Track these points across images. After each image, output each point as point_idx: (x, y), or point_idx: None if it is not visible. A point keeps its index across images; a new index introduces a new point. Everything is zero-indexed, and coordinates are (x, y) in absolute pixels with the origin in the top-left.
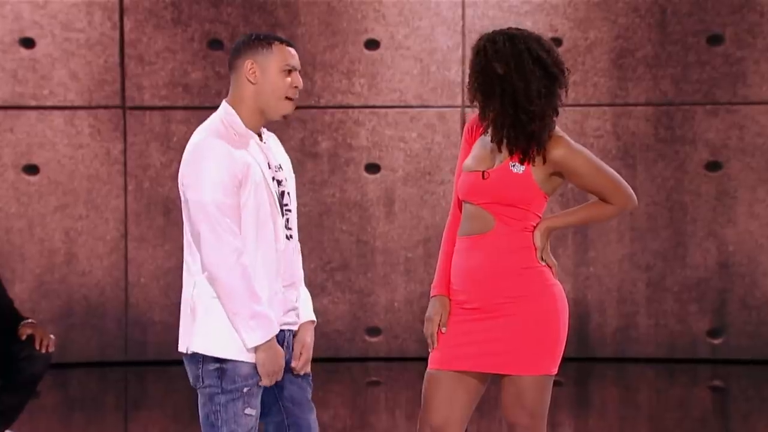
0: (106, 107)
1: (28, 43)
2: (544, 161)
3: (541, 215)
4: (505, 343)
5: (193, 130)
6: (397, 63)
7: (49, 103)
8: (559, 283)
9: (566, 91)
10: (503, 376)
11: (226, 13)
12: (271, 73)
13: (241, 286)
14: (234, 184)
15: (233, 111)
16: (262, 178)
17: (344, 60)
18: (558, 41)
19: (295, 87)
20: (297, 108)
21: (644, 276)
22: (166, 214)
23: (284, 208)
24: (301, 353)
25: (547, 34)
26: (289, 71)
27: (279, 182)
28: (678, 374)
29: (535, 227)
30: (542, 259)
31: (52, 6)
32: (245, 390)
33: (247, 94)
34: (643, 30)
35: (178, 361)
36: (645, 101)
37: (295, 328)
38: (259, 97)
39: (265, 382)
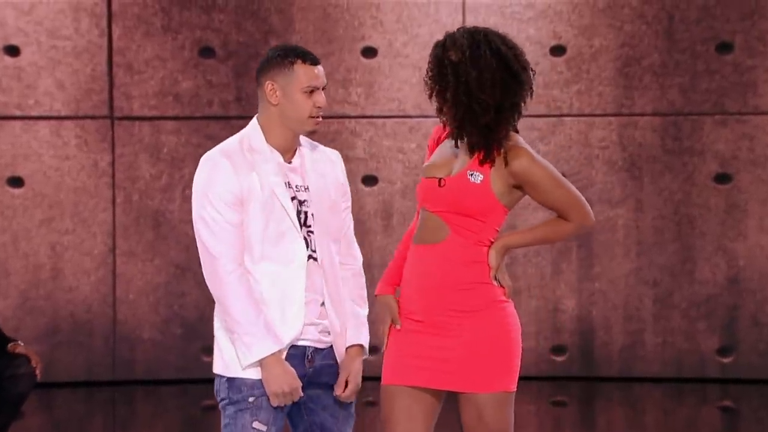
0: (93, 117)
1: (12, 50)
2: (506, 167)
3: (499, 229)
4: (459, 361)
5: (184, 141)
6: (396, 71)
7: (34, 113)
8: (511, 302)
9: (531, 93)
10: (460, 394)
11: (218, 20)
12: (292, 94)
13: (232, 302)
14: (232, 201)
15: (258, 127)
16: (271, 197)
17: (340, 68)
18: (562, 49)
19: (318, 107)
20: None
21: (651, 292)
22: (156, 228)
23: (306, 230)
24: (347, 381)
25: (551, 42)
26: (311, 91)
27: (301, 202)
28: (686, 394)
29: (491, 242)
30: (496, 278)
31: (37, 12)
32: (251, 400)
33: (271, 113)
34: (650, 37)
35: (167, 380)
36: (652, 111)
37: (321, 345)
38: (282, 117)
39: (273, 401)
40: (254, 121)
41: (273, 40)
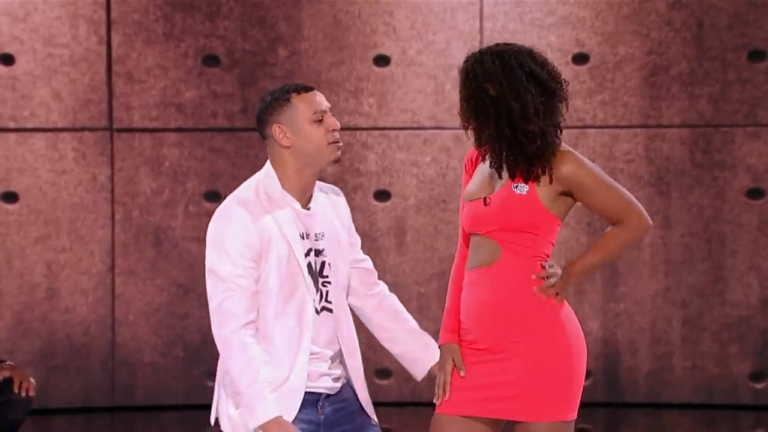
0: (91, 129)
1: (7, 59)
2: (551, 180)
3: (554, 242)
4: (517, 387)
5: (187, 154)
6: (409, 81)
7: (29, 125)
8: (574, 316)
9: (567, 105)
10: (516, 423)
11: (223, 27)
12: (302, 128)
13: (236, 361)
14: (250, 255)
15: (274, 174)
16: (288, 251)
17: (351, 77)
18: (585, 57)
19: (333, 130)
20: None
21: (680, 313)
22: (157, 246)
23: (322, 280)
24: None
25: (573, 50)
26: (320, 119)
27: (318, 252)
28: (717, 421)
29: (547, 256)
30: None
31: (33, 19)
32: None
33: (286, 157)
34: (678, 45)
35: (169, 406)
36: (680, 122)
37: (332, 392)
38: (300, 157)
39: None
40: (268, 165)
41: (280, 48)
